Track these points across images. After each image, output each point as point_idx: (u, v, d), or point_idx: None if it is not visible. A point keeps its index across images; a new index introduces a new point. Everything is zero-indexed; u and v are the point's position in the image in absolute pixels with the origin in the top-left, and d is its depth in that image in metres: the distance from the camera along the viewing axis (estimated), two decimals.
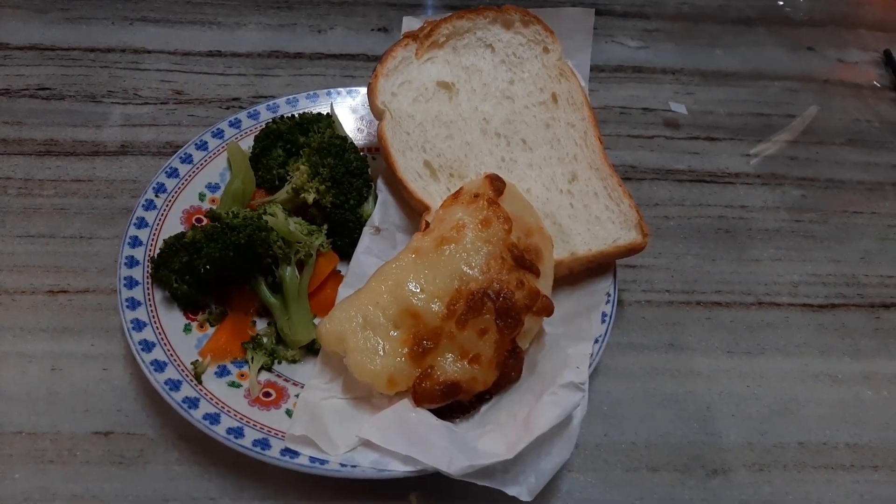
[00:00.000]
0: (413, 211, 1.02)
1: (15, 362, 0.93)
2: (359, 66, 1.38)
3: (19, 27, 1.37)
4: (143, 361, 0.84)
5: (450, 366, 0.85)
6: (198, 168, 1.05)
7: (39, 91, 1.27)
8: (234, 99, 1.28)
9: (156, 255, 0.93)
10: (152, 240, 0.96)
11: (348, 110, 1.16)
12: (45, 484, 0.84)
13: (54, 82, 1.28)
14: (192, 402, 0.82)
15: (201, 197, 1.04)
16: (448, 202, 0.93)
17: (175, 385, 0.83)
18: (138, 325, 0.88)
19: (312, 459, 0.79)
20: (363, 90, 1.15)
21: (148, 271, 0.93)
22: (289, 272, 0.93)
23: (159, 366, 0.85)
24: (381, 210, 1.02)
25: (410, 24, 1.13)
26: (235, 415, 0.82)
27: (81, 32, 1.38)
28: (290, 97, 1.16)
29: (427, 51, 1.08)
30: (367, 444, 0.81)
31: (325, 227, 0.99)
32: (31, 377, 0.92)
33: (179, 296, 0.90)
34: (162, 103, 1.26)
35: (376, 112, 1.04)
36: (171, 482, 0.85)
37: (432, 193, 1.00)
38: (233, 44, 1.39)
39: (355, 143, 1.07)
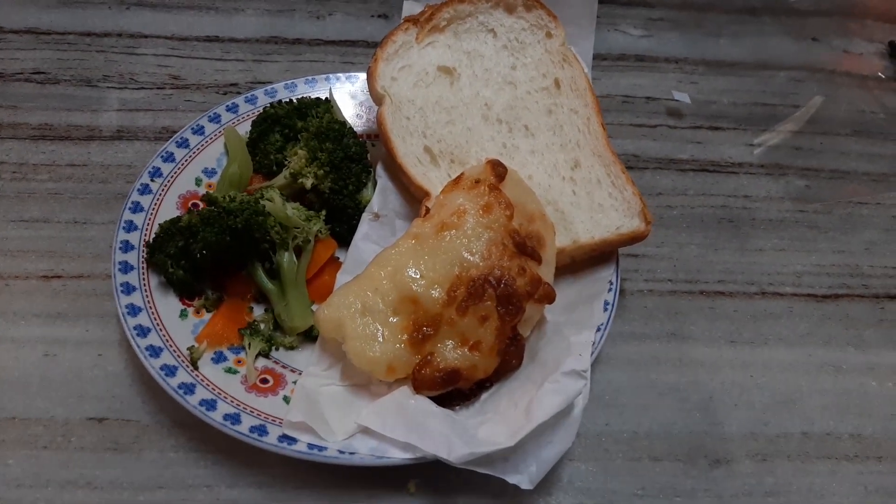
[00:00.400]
0: (413, 197, 1.00)
1: (8, 347, 0.92)
2: (358, 53, 1.36)
3: (14, 10, 1.35)
4: (139, 347, 0.83)
5: (450, 353, 0.83)
6: (194, 153, 1.03)
7: (34, 75, 1.25)
8: (232, 84, 1.27)
9: (151, 240, 0.91)
10: (148, 224, 0.94)
11: (347, 96, 1.15)
12: (39, 470, 0.83)
13: (49, 66, 1.26)
14: (188, 388, 0.81)
15: (198, 182, 1.02)
16: (449, 188, 0.91)
17: (171, 371, 0.82)
18: (133, 311, 0.86)
19: (310, 446, 0.78)
20: (362, 76, 1.14)
21: (143, 256, 0.91)
22: (286, 258, 0.91)
23: (155, 351, 0.83)
24: (381, 196, 1.00)
25: (411, 7, 1.11)
26: (232, 401, 0.81)
27: (77, 16, 1.36)
28: (289, 82, 1.14)
29: (428, 35, 1.07)
30: (365, 431, 0.80)
31: (324, 212, 0.97)
32: (25, 362, 0.91)
33: (175, 281, 0.89)
34: (158, 88, 1.25)
35: (376, 97, 1.03)
36: (167, 469, 0.83)
37: (432, 179, 0.98)
38: (231, 29, 1.37)
39: (354, 128, 1.05)
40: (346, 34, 1.39)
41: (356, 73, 1.17)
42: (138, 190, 0.97)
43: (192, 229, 0.88)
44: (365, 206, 1.00)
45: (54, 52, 1.29)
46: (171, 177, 1.00)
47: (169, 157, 1.01)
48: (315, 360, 0.87)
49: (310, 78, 1.15)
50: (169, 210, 0.97)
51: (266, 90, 1.12)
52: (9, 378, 0.89)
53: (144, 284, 0.89)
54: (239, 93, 1.23)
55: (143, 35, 1.34)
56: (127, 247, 0.91)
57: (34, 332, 0.93)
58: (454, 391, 0.84)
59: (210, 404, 0.80)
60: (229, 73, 1.29)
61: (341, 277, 0.93)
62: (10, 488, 0.81)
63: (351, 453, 0.78)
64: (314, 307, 0.92)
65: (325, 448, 0.78)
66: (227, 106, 1.09)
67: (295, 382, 0.85)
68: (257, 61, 1.31)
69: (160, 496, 0.82)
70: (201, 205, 0.97)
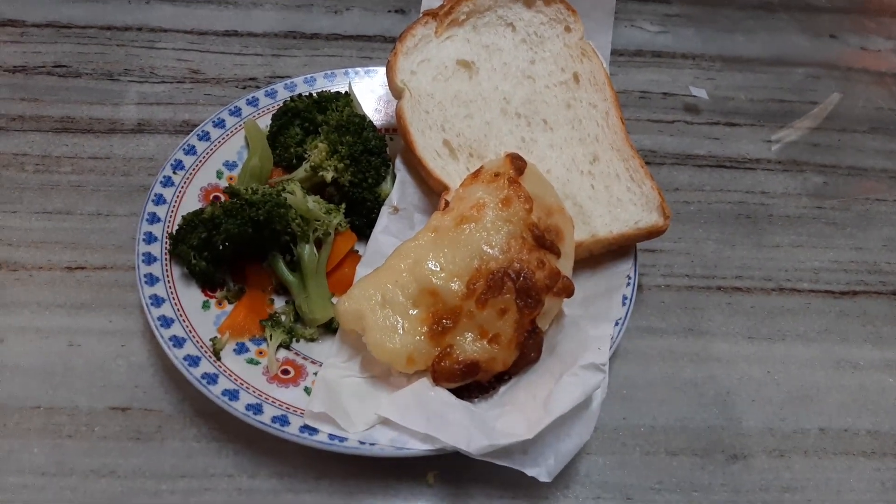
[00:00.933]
0: (431, 191, 1.01)
1: (32, 338, 0.93)
2: (376, 48, 1.37)
3: (36, 4, 1.36)
4: (162, 337, 0.84)
5: (469, 345, 0.84)
6: (216, 146, 1.04)
7: (56, 68, 1.26)
8: (251, 79, 1.28)
9: (174, 231, 0.92)
10: (170, 216, 0.95)
11: (366, 90, 1.15)
12: (62, 458, 0.84)
13: (71, 60, 1.28)
14: (211, 378, 0.82)
15: (219, 175, 1.03)
16: (468, 181, 0.92)
17: (194, 361, 0.83)
18: (157, 301, 0.87)
19: (331, 437, 0.79)
20: (381, 70, 1.14)
21: (166, 247, 0.92)
22: (307, 250, 0.92)
23: (178, 341, 0.84)
24: (400, 189, 1.01)
25: (430, 2, 1.12)
26: (254, 391, 0.82)
27: (98, 10, 1.37)
28: (308, 76, 1.15)
29: (447, 29, 1.07)
30: (385, 422, 0.81)
31: (343, 205, 0.98)
32: (49, 352, 0.92)
33: (197, 272, 0.90)
34: (178, 82, 1.26)
35: (395, 90, 1.03)
36: (189, 458, 0.85)
37: (451, 173, 0.99)
38: (249, 24, 1.38)
39: (373, 122, 1.05)
40: (363, 29, 1.40)
41: (375, 68, 1.18)
42: (161, 182, 0.98)
43: (215, 221, 0.89)
44: (384, 200, 1.00)
45: (75, 46, 1.30)
46: (193, 169, 1.01)
47: (191, 150, 1.02)
48: (335, 352, 0.88)
49: (329, 72, 1.16)
50: (191, 202, 0.98)
51: (286, 84, 1.13)
52: (33, 367, 0.91)
53: (167, 275, 0.90)
54: (258, 87, 1.23)
55: (163, 29, 1.35)
56: (150, 238, 0.92)
57: (58, 323, 0.95)
58: (473, 383, 0.85)
59: (232, 394, 0.81)
60: (248, 68, 1.30)
61: (361, 270, 0.93)
62: (34, 476, 0.83)
63: (371, 444, 0.79)
64: (334, 299, 0.92)
65: (346, 439, 0.79)
66: (248, 100, 1.10)
67: (316, 374, 0.86)
68: (276, 56, 1.32)
69: (182, 485, 0.83)
70: (223, 197, 0.98)
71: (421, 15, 1.08)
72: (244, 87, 1.26)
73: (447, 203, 0.91)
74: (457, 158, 1.01)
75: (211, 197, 1.00)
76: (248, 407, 0.80)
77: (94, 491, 0.82)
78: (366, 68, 1.18)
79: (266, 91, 1.12)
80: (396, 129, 1.03)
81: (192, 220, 0.90)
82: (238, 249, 0.90)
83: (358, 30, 1.39)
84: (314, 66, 1.31)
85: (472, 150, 1.02)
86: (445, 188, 0.96)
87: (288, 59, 1.32)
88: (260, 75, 1.28)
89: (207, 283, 0.91)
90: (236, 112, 1.08)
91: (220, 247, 0.88)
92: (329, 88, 1.11)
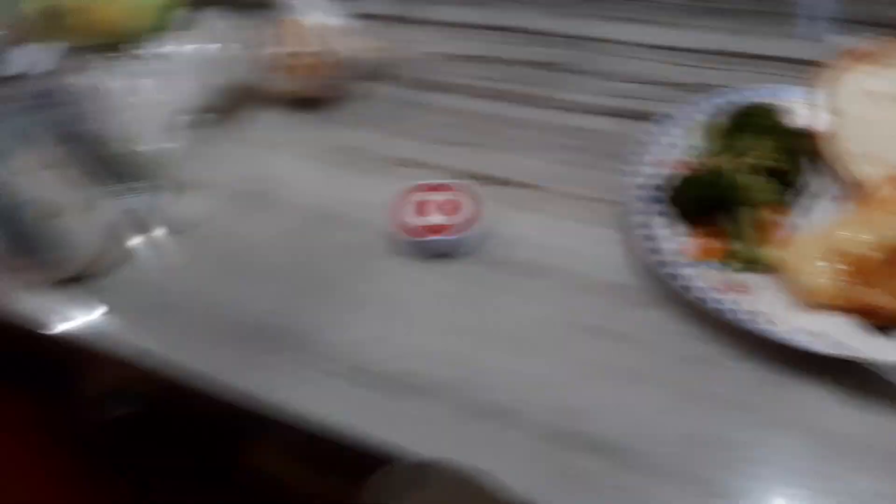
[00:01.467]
0: (853, 186, 1.28)
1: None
2: (809, 70, 1.47)
3: (533, 16, 1.90)
4: (651, 255, 1.26)
5: (876, 298, 1.12)
6: (680, 129, 1.42)
7: (533, 63, 1.77)
8: (704, 84, 1.57)
9: (667, 186, 1.31)
10: (649, 173, 1.36)
11: (800, 105, 1.42)
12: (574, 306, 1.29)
13: (544, 58, 1.77)
14: (683, 280, 1.21)
15: (685, 151, 1.40)
16: (890, 180, 1.22)
17: (673, 266, 1.23)
18: (647, 227, 1.29)
19: (763, 328, 1.12)
20: (816, 91, 1.39)
21: (660, 195, 1.31)
22: (754, 211, 1.27)
23: (662, 260, 1.25)
24: (826, 183, 1.31)
25: (847, 42, 1.40)
26: (712, 290, 1.18)
27: (570, 24, 1.85)
28: (756, 89, 1.45)
29: (872, 66, 1.36)
30: (805, 329, 1.11)
31: (781, 186, 1.31)
32: (561, 247, 1.38)
33: (683, 215, 1.29)
34: (640, 83, 1.66)
35: (827, 110, 1.33)
36: (649, 327, 1.24)
37: (871, 178, 1.26)
38: (689, 41, 1.74)
39: (807, 130, 1.35)
40: (795, 53, 1.63)
41: (810, 89, 1.40)
42: (640, 152, 1.39)
43: (694, 182, 1.30)
44: (812, 189, 1.31)
45: (550, 49, 1.80)
46: (661, 145, 1.40)
47: (658, 132, 1.42)
48: (769, 286, 1.20)
49: (772, 86, 1.46)
50: (662, 168, 1.36)
51: (736, 93, 1.46)
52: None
53: (657, 215, 1.30)
54: (702, 92, 1.52)
55: (618, 41, 1.79)
56: (641, 187, 1.33)
57: (572, 230, 1.40)
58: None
59: (700, 290, 1.19)
60: (691, 75, 1.64)
61: (795, 234, 1.25)
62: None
63: (792, 338, 1.10)
64: (771, 250, 1.23)
65: (774, 331, 1.11)
66: (707, 99, 1.45)
67: (755, 291, 1.19)
68: (726, 70, 1.64)
69: (633, 347, 1.22)
70: (690, 170, 1.35)
71: (845, 51, 1.37)
72: (696, 92, 1.54)
73: (871, 196, 1.22)
74: (875, 167, 1.27)
75: (679, 167, 1.38)
76: (702, 300, 1.18)
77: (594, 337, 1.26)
78: (804, 87, 1.42)
79: (720, 94, 1.46)
80: (826, 138, 1.32)
81: (679, 180, 1.31)
82: (709, 205, 1.29)
83: (795, 54, 1.63)
84: (758, 81, 1.55)
85: (891, 166, 1.27)
86: (868, 188, 1.25)
87: (733, 72, 1.64)
88: (710, 82, 1.57)
89: (687, 224, 1.29)
90: (694, 108, 1.45)
91: (699, 202, 1.28)
92: (772, 100, 1.41)
